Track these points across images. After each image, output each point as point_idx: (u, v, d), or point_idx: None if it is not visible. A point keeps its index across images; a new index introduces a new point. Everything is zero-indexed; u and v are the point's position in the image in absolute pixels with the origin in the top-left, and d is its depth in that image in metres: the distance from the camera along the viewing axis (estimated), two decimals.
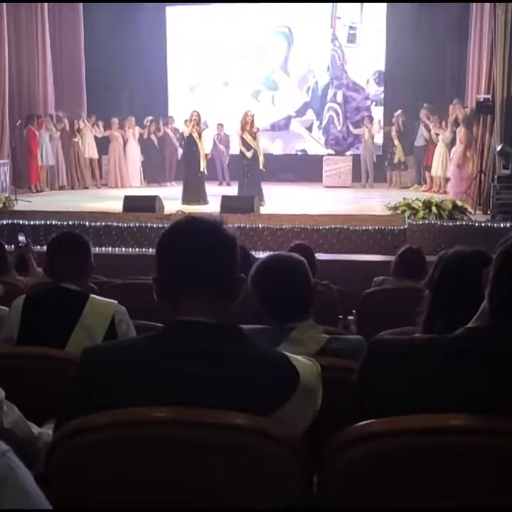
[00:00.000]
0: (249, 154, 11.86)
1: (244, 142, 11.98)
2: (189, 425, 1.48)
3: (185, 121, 12.64)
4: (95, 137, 15.24)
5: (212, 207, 11.17)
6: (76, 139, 14.89)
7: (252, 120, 12.06)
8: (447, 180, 13.12)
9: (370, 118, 15.23)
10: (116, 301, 2.91)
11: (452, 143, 13.04)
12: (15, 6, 13.58)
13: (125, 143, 15.27)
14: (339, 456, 1.45)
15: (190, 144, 12.32)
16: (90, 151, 15.19)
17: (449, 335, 1.57)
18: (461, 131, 12.42)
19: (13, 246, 5.49)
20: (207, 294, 1.62)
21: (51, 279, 3.05)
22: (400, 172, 14.80)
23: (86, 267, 3.01)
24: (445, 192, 12.87)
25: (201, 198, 12.11)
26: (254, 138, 11.97)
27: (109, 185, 15.18)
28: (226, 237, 1.65)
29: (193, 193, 12.12)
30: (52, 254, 3.01)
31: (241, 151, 12.11)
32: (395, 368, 1.55)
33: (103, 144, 15.39)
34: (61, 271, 2.92)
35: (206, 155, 12.97)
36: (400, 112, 14.50)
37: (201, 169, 12.21)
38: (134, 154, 15.35)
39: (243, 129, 11.99)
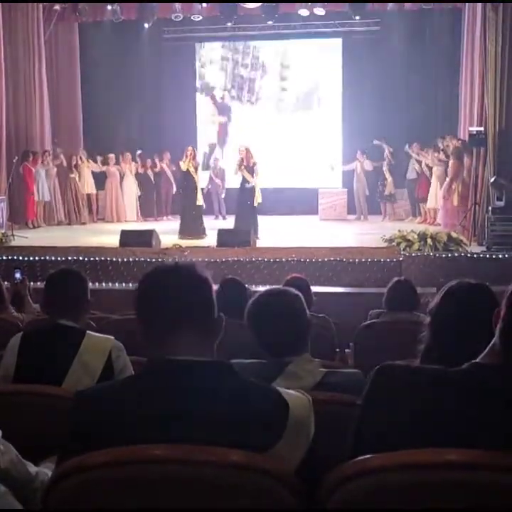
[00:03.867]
0: (251, 181, 11.94)
1: (243, 179, 12.06)
2: (186, 463, 1.47)
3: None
4: (92, 172, 15.35)
5: (209, 240, 11.21)
6: (73, 175, 14.97)
7: (246, 155, 12.11)
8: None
9: (362, 151, 15.35)
10: (112, 337, 2.92)
11: (445, 175, 13.19)
12: (12, 41, 13.75)
13: (122, 178, 15.39)
14: (336, 492, 1.45)
15: (187, 178, 12.40)
16: (88, 186, 15.28)
17: (456, 368, 1.57)
18: (450, 164, 12.55)
19: (7, 282, 5.49)
20: (189, 334, 1.65)
21: (48, 315, 3.05)
22: (392, 204, 14.97)
23: (83, 303, 3.02)
24: (439, 224, 12.95)
25: (200, 231, 12.15)
26: (252, 172, 12.03)
27: (105, 220, 15.25)
28: (199, 279, 1.70)
29: (191, 227, 12.15)
30: (49, 290, 3.02)
31: (241, 185, 12.16)
32: (401, 394, 1.55)
33: (100, 179, 15.49)
34: (58, 307, 2.93)
35: (202, 189, 13.04)
36: (378, 142, 14.74)
37: (198, 203, 12.27)
38: (131, 189, 15.45)
39: (239, 165, 12.06)
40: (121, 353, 2.86)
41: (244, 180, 12.03)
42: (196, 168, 12.32)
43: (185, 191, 12.58)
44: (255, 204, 12.00)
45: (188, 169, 12.25)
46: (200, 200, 12.29)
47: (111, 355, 2.81)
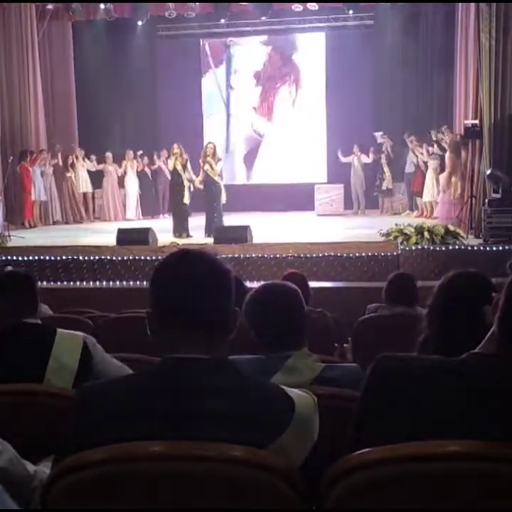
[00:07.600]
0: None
1: (206, 174, 11.98)
2: (185, 459, 1.47)
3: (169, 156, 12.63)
4: (88, 171, 15.32)
5: (206, 238, 11.20)
6: (69, 174, 14.95)
7: (213, 151, 12.04)
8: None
9: (359, 145, 15.34)
10: (81, 333, 2.87)
11: (440, 168, 13.19)
12: (6, 40, 13.75)
13: (121, 176, 15.35)
14: (338, 485, 1.44)
15: (175, 176, 12.29)
16: (84, 185, 15.25)
17: (455, 358, 1.56)
18: (447, 157, 12.55)
19: None
20: (204, 329, 1.61)
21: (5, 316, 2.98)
22: (390, 198, 14.96)
23: (37, 301, 3.00)
24: (436, 217, 12.94)
25: (184, 231, 12.02)
26: (213, 168, 11.90)
27: (102, 219, 15.23)
28: (222, 270, 1.65)
29: (180, 226, 12.08)
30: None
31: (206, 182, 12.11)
32: (400, 385, 1.54)
33: (96, 178, 15.46)
34: (23, 307, 2.89)
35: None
36: (381, 133, 14.73)
37: (185, 201, 12.12)
38: (133, 187, 15.42)
39: (204, 160, 11.93)
40: (95, 343, 2.83)
41: (206, 176, 11.96)
42: (184, 166, 12.15)
43: (173, 189, 12.49)
44: (221, 202, 11.91)
45: (175, 167, 12.17)
46: (186, 198, 12.11)
47: (86, 345, 2.77)
